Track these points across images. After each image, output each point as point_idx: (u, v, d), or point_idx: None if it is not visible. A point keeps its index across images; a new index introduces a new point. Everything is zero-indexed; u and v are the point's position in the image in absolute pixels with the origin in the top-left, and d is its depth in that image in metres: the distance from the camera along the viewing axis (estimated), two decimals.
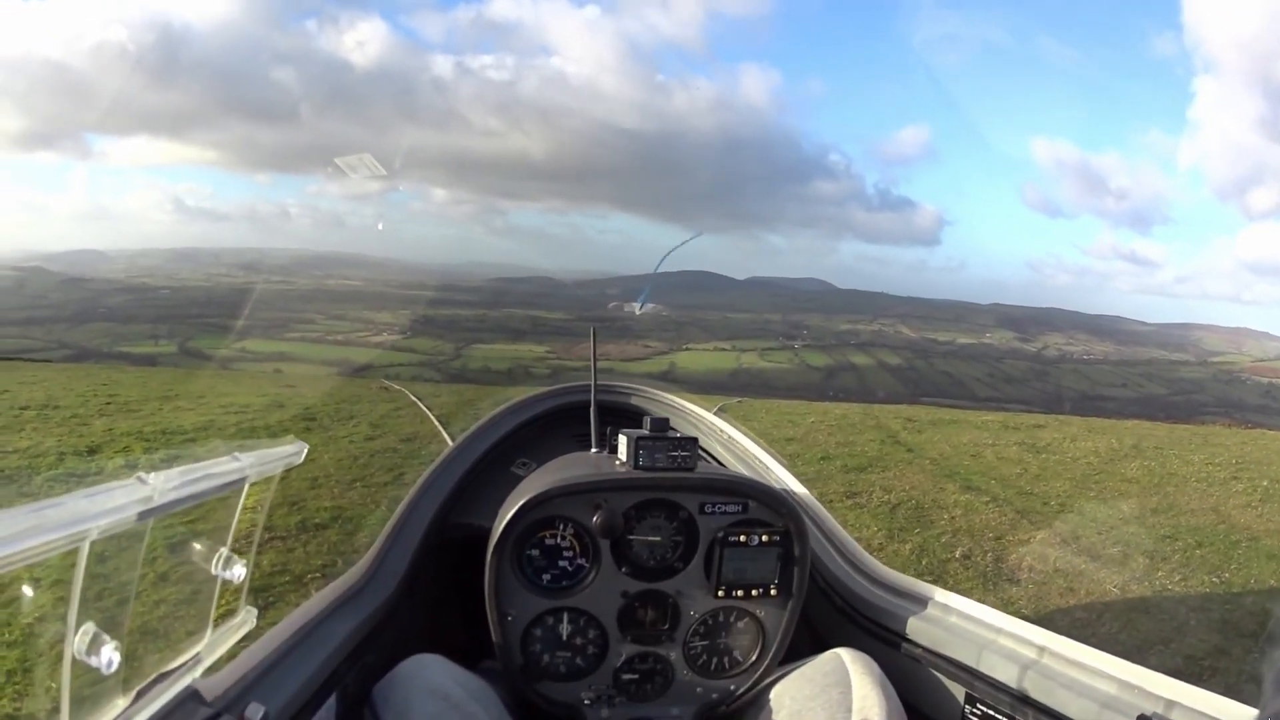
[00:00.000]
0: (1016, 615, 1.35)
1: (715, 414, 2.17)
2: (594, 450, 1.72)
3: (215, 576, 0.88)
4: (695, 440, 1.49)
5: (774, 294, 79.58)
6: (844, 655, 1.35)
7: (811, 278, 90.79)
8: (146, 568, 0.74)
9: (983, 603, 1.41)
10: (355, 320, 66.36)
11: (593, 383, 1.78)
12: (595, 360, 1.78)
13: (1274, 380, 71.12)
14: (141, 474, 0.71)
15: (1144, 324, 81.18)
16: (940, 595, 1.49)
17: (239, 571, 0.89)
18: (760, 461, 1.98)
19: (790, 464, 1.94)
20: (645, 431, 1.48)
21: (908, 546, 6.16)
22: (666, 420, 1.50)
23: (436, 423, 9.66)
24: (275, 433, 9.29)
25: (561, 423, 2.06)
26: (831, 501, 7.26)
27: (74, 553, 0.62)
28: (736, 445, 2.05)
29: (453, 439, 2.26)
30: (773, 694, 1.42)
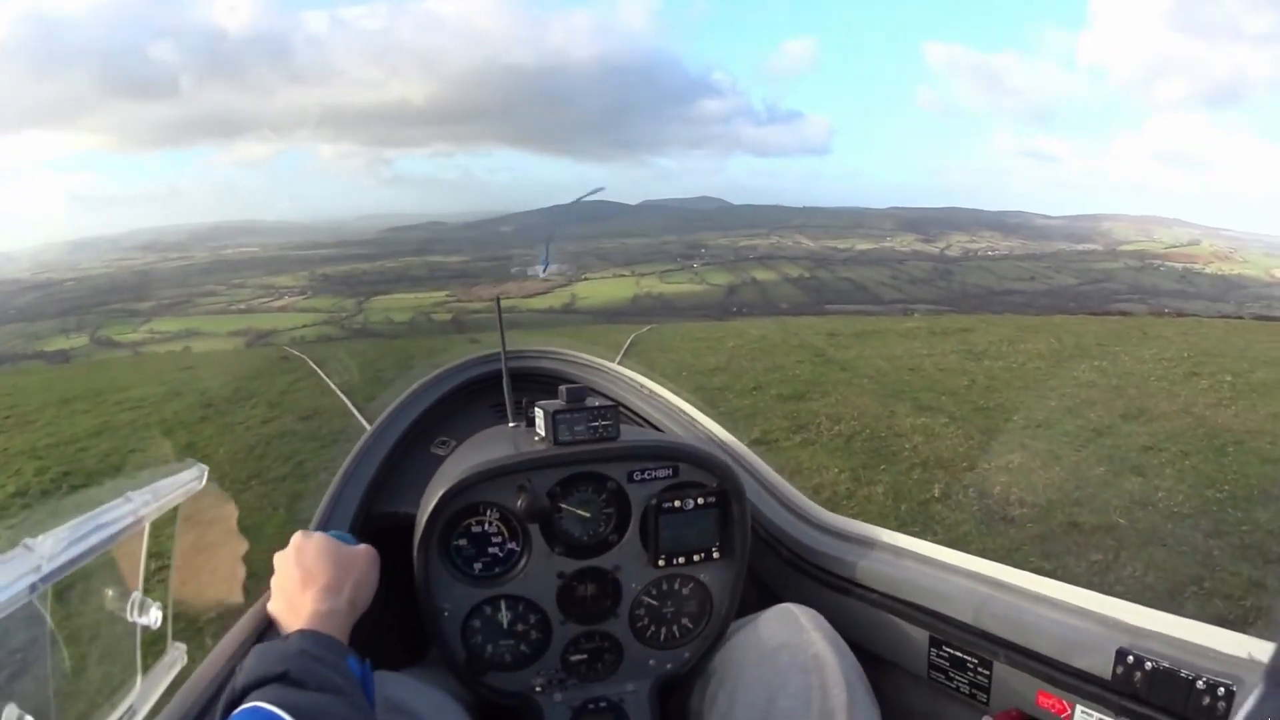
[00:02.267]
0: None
1: (629, 348, 1.94)
2: (511, 425, 1.62)
3: (132, 623, 0.84)
4: (615, 407, 1.39)
5: (668, 216, 79.40)
6: (790, 610, 1.30)
7: (705, 196, 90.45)
8: (60, 631, 0.70)
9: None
10: (256, 287, 65.55)
11: (503, 353, 1.71)
12: (503, 330, 1.72)
13: (1188, 265, 72.28)
14: (27, 540, 0.65)
15: (1049, 217, 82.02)
16: (890, 537, 1.43)
17: (155, 614, 0.85)
18: (686, 415, 1.89)
19: (722, 398, 1.83)
20: (561, 403, 1.37)
21: (879, 489, 5.60)
22: (583, 389, 1.40)
23: (339, 392, 8.86)
24: (171, 427, 8.97)
25: (478, 395, 1.98)
26: (777, 441, 6.71)
27: None
28: (660, 399, 1.96)
29: (358, 408, 2.15)
30: (719, 658, 1.37)
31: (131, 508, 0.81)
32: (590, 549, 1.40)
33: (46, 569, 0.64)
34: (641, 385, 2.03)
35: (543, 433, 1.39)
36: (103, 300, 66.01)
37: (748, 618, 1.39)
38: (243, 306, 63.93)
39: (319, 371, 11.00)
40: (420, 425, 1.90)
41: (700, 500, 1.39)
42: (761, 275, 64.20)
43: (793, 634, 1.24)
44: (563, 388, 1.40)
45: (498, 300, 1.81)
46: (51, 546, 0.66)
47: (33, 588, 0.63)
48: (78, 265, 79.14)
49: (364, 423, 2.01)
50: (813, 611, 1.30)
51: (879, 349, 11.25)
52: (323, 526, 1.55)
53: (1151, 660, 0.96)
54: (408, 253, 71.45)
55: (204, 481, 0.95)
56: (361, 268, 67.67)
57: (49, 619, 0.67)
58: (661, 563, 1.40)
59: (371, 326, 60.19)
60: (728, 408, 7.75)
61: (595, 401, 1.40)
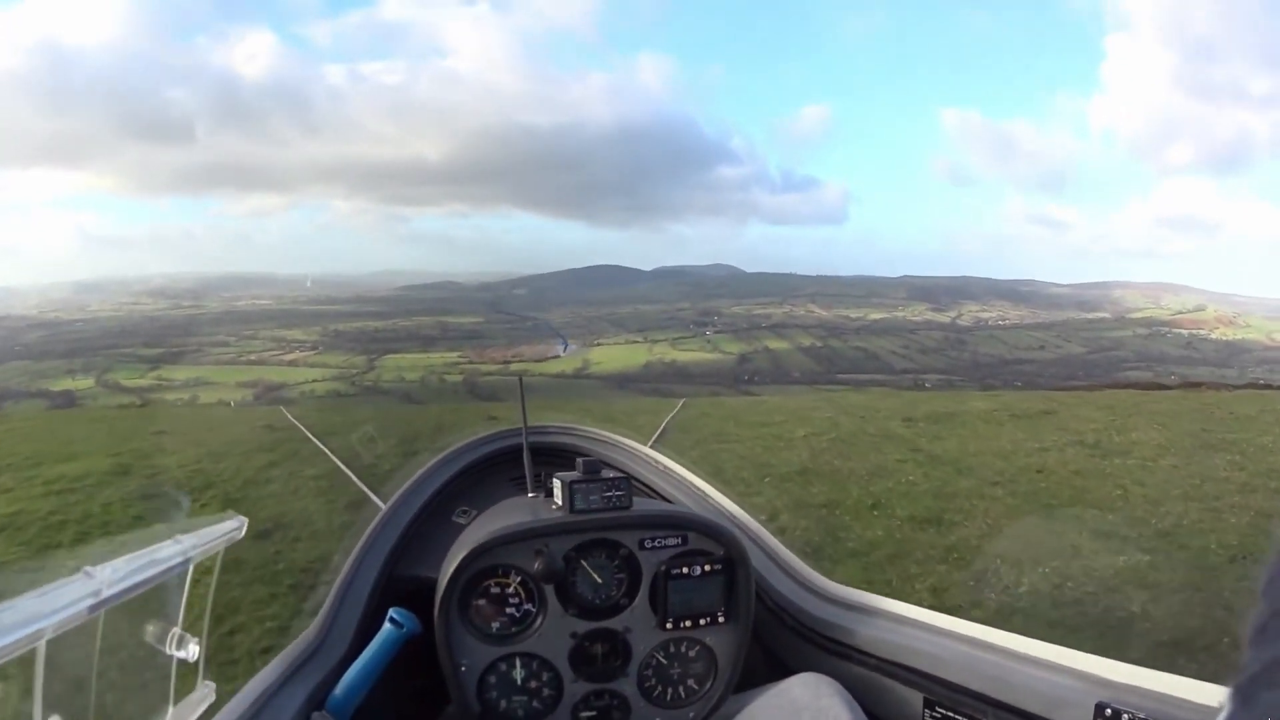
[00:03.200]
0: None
1: (664, 432, 2.30)
2: (530, 495, 1.74)
3: (170, 656, 0.90)
4: (628, 479, 1.52)
5: (683, 283, 79.60)
6: (815, 679, 1.38)
7: (719, 264, 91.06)
8: (103, 657, 0.76)
9: None
10: (267, 339, 65.53)
11: (524, 427, 1.83)
12: (525, 406, 1.83)
13: (1194, 331, 72.50)
14: (88, 568, 0.72)
15: (1059, 285, 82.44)
16: (890, 605, 1.50)
17: (193, 649, 0.91)
18: (700, 490, 1.99)
19: (839, 522, 1.84)
20: (578, 474, 1.50)
21: None
22: (598, 462, 1.54)
23: (343, 466, 8.15)
24: (92, 525, 7.46)
25: (498, 468, 2.07)
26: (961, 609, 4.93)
27: (32, 653, 0.64)
28: (674, 475, 2.05)
29: (377, 493, 2.21)
30: (744, 718, 1.43)
31: (180, 549, 0.88)
32: (602, 611, 1.50)
33: (105, 594, 0.71)
34: (656, 461, 2.11)
35: (560, 502, 1.50)
36: (112, 343, 66.01)
37: (774, 684, 1.43)
38: (253, 358, 63.91)
39: (316, 442, 10.07)
40: (442, 495, 1.98)
41: (707, 567, 1.50)
42: (774, 344, 64.26)
43: (814, 699, 1.32)
44: (579, 460, 1.53)
45: (520, 379, 1.98)
46: (109, 575, 0.73)
47: (91, 609, 0.70)
48: (86, 306, 79.24)
49: (378, 501, 2.11)
50: (835, 683, 1.35)
51: (973, 439, 10.23)
52: (345, 588, 1.65)
53: (1129, 713, 1.01)
54: (421, 311, 71.54)
55: (243, 532, 1.02)
56: (374, 325, 67.71)
57: (98, 642, 0.74)
58: (670, 625, 1.49)
59: (382, 385, 60.03)
60: (858, 543, 6.52)
61: (610, 473, 1.52)
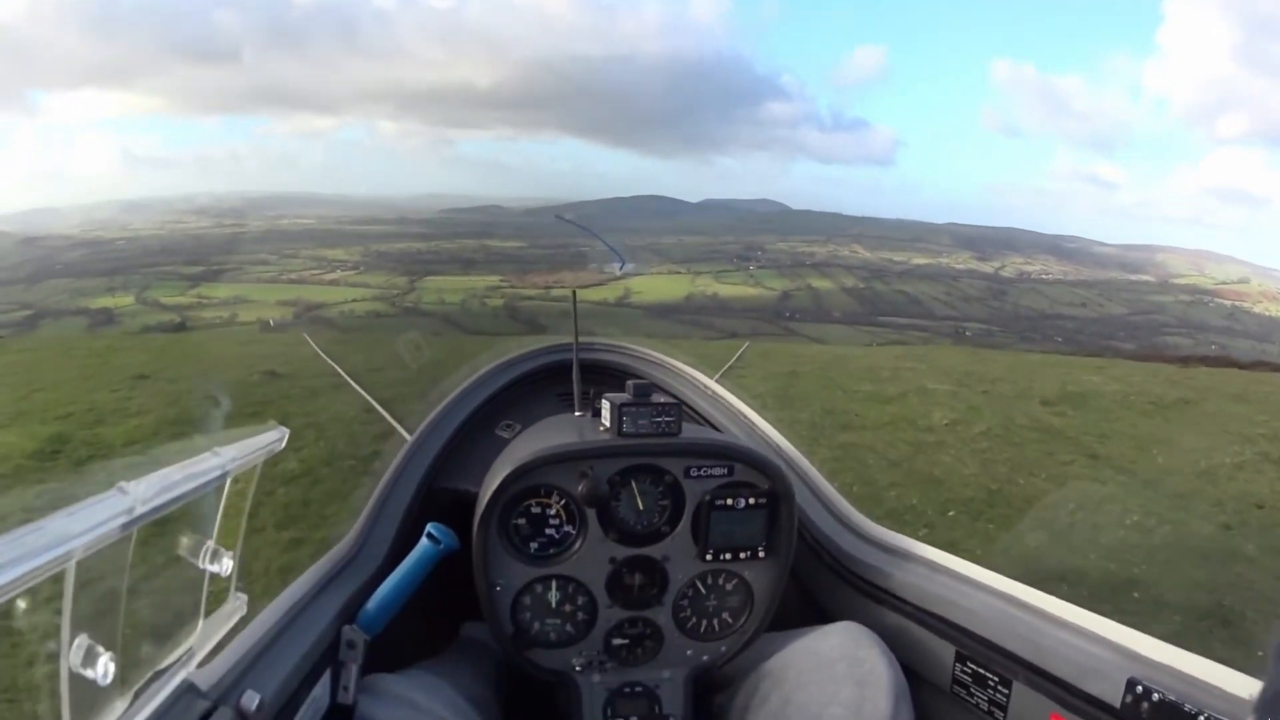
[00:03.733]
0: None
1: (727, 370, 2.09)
2: (577, 414, 1.68)
3: (203, 570, 0.90)
4: (679, 405, 1.46)
5: (729, 216, 79.09)
6: (853, 628, 1.37)
7: (765, 199, 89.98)
8: (134, 572, 0.74)
9: None
10: (308, 259, 65.83)
11: (574, 343, 1.72)
12: (576, 321, 1.73)
13: (1237, 303, 71.55)
14: (122, 484, 0.70)
15: (1105, 244, 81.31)
16: (929, 552, 1.47)
17: (226, 564, 0.91)
18: (748, 419, 1.95)
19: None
20: (628, 397, 1.44)
21: None
22: (649, 385, 1.47)
23: (365, 394, 7.66)
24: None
25: (545, 383, 2.05)
26: None
27: (61, 572, 0.63)
28: (723, 402, 2.01)
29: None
30: (778, 660, 1.41)
31: (219, 461, 0.87)
32: (643, 538, 1.46)
33: (138, 511, 0.70)
34: (706, 386, 2.08)
35: (608, 424, 1.46)
36: (153, 261, 66.56)
37: (811, 628, 1.43)
38: (294, 277, 64.16)
39: (342, 372, 9.55)
40: (487, 407, 1.95)
41: (751, 500, 1.45)
42: (818, 282, 63.86)
43: (853, 649, 1.32)
44: (630, 382, 1.46)
45: (574, 292, 1.79)
46: (144, 491, 0.72)
47: (124, 527, 0.68)
48: (129, 225, 79.84)
49: (404, 433, 2.05)
50: (874, 635, 1.35)
51: (1139, 439, 8.68)
52: (384, 499, 1.63)
53: (1159, 692, 0.99)
54: (464, 235, 71.57)
55: (284, 443, 1.01)
56: (417, 246, 67.83)
57: (130, 558, 0.73)
58: (709, 557, 1.46)
59: (423, 306, 60.23)
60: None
61: (660, 398, 1.46)
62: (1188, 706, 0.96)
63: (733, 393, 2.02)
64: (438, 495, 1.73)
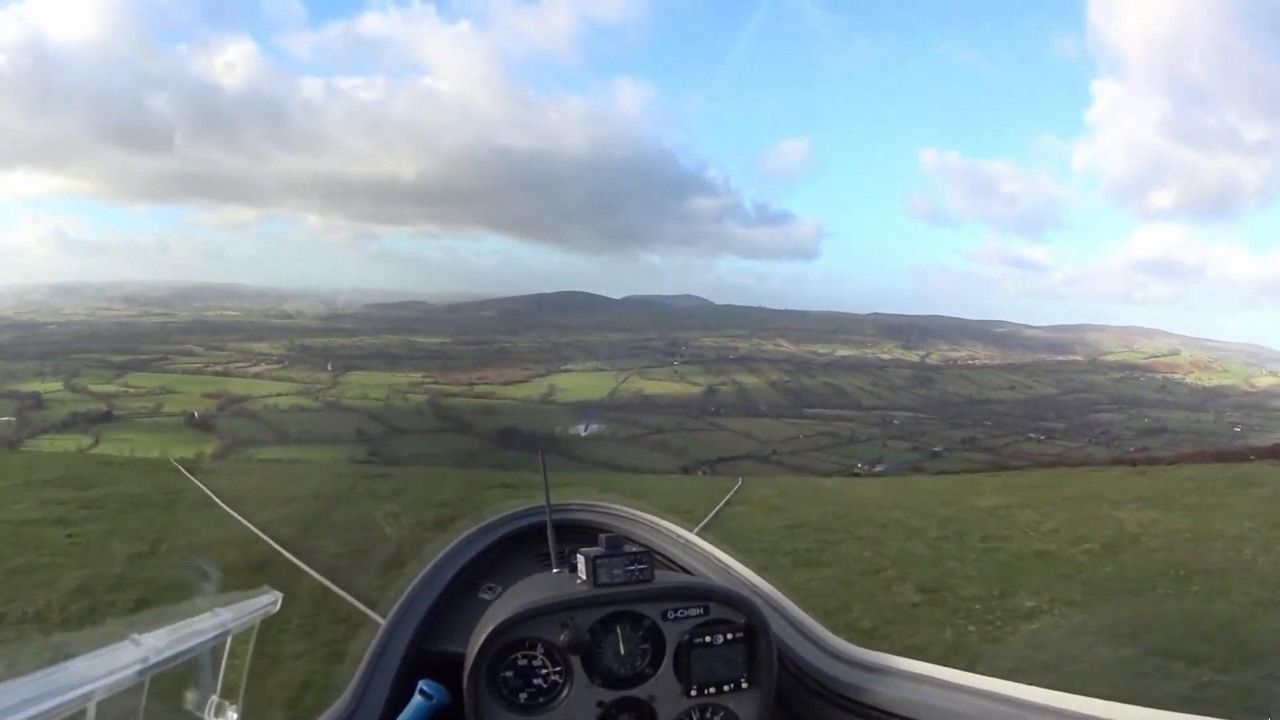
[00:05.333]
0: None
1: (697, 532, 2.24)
2: (555, 570, 1.77)
3: None
4: (650, 553, 1.60)
5: (652, 312, 79.36)
6: None
7: (689, 294, 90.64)
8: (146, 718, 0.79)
9: None
10: (234, 351, 65.25)
11: (547, 505, 1.91)
12: (547, 483, 1.90)
13: (1168, 375, 72.84)
14: (135, 635, 0.76)
15: (1033, 327, 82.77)
16: (910, 665, 1.52)
17: (231, 716, 0.96)
18: (721, 562, 2.05)
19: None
20: (601, 550, 1.55)
21: None
22: (620, 537, 1.60)
23: (342, 593, 6.13)
24: None
25: (522, 545, 2.16)
26: None
27: (82, 714, 0.67)
28: (695, 548, 2.13)
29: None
30: None
31: (220, 620, 0.92)
32: (628, 680, 1.53)
33: (152, 660, 0.76)
34: (678, 535, 2.19)
35: (584, 576, 1.55)
36: (82, 347, 65.71)
37: None
38: (219, 369, 63.52)
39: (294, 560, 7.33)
40: (468, 572, 2.04)
41: (729, 635, 1.54)
42: (743, 377, 64.28)
43: None
44: (602, 536, 1.58)
45: (541, 455, 2.00)
46: (155, 643, 0.77)
47: (140, 674, 0.74)
48: (60, 310, 78.85)
49: (376, 618, 2.18)
50: None
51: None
52: (374, 663, 1.68)
53: None
54: (388, 330, 71.41)
55: (278, 606, 1.06)
56: (340, 341, 67.52)
57: (143, 705, 0.77)
58: (694, 693, 1.53)
59: (345, 402, 59.76)
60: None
61: (631, 548, 1.57)
62: None
63: (704, 539, 2.14)
64: (427, 657, 1.77)
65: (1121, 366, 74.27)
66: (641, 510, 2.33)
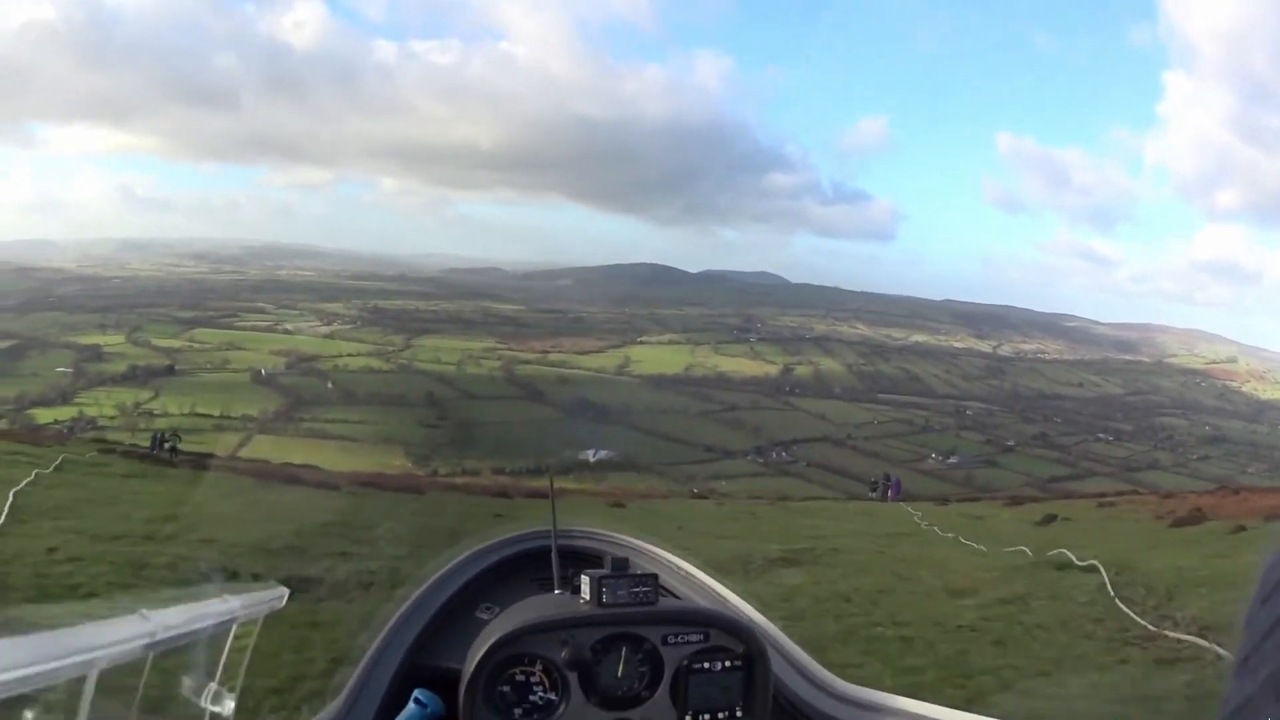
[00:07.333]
0: None
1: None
2: (557, 591, 1.77)
3: (204, 709, 0.92)
4: (655, 576, 1.57)
5: (728, 288, 79.16)
6: None
7: (765, 271, 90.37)
8: (144, 699, 0.78)
9: None
10: (306, 310, 65.17)
11: (553, 526, 1.88)
12: (555, 509, 1.87)
13: (1227, 383, 72.24)
14: (144, 610, 0.74)
15: (1100, 323, 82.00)
16: (902, 703, 1.51)
17: (228, 706, 0.94)
18: (719, 595, 2.03)
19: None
20: (607, 570, 1.55)
21: None
22: (626, 560, 1.59)
23: None
24: None
25: (522, 568, 2.11)
26: None
27: (82, 680, 0.66)
28: (695, 580, 2.11)
29: None
30: None
31: (229, 608, 0.91)
32: (623, 702, 1.51)
33: (159, 636, 0.75)
34: (679, 567, 2.16)
35: (587, 596, 1.54)
36: (148, 302, 65.84)
37: None
38: (289, 328, 63.44)
39: None
40: (465, 592, 1.98)
41: (728, 663, 1.53)
42: (819, 358, 63.69)
43: None
44: (608, 557, 1.59)
45: (551, 481, 2.43)
46: (164, 619, 0.76)
47: (145, 648, 0.73)
48: (127, 264, 79.08)
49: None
50: None
51: None
52: (368, 674, 1.65)
53: None
54: (463, 296, 71.20)
55: (284, 602, 1.04)
56: (416, 305, 67.31)
57: (144, 680, 0.77)
58: (689, 719, 1.51)
59: (417, 365, 59.52)
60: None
61: (637, 571, 1.58)
62: None
63: (704, 572, 2.11)
64: (421, 672, 1.73)
65: (1184, 371, 73.48)
66: (645, 542, 2.30)
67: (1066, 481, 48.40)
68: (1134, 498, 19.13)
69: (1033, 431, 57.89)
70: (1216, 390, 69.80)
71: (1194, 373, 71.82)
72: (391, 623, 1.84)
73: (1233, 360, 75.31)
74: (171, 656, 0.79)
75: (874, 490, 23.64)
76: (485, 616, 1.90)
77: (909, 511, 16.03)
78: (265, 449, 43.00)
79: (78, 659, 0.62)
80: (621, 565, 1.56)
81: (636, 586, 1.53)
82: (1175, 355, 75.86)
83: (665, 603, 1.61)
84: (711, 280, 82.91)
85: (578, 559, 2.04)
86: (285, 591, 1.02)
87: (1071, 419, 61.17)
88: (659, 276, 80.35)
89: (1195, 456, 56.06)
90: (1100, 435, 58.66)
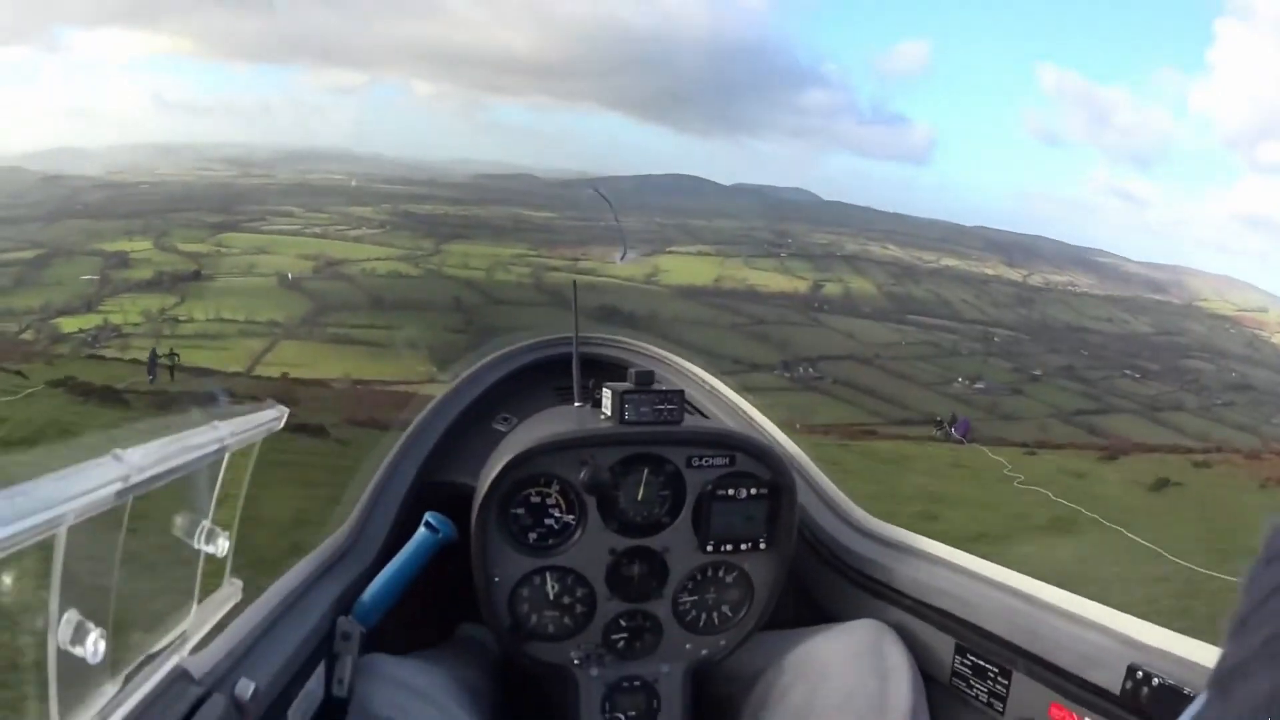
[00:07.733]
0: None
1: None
2: (577, 404, 1.68)
3: (198, 550, 0.86)
4: (681, 393, 1.47)
5: (760, 202, 78.51)
6: (876, 624, 1.41)
7: (798, 187, 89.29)
8: (127, 547, 0.71)
9: None
10: (335, 214, 65.08)
11: (574, 334, 1.72)
12: (576, 313, 1.73)
13: (1257, 331, 71.57)
14: (117, 450, 0.66)
15: (1131, 261, 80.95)
16: (927, 545, 1.48)
17: (222, 544, 0.88)
18: (746, 414, 1.91)
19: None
20: (630, 385, 1.45)
21: None
22: (651, 373, 1.48)
23: None
24: None
25: (543, 376, 1.98)
26: None
27: (51, 540, 0.59)
28: (723, 398, 1.99)
29: None
30: (801, 652, 1.43)
31: (217, 435, 0.83)
32: (643, 528, 1.46)
33: (134, 479, 0.66)
34: (705, 381, 2.04)
35: (609, 412, 1.46)
36: (176, 207, 65.92)
37: (828, 626, 1.46)
38: (318, 231, 63.41)
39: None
40: (482, 401, 1.90)
41: (753, 491, 1.45)
42: (850, 275, 63.30)
43: (876, 644, 1.37)
44: (631, 370, 1.46)
45: (574, 282, 1.79)
46: (140, 459, 0.67)
47: (118, 495, 0.65)
48: (155, 170, 79.06)
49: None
50: (892, 630, 1.40)
51: None
52: (380, 491, 1.61)
53: (1159, 677, 1.00)
54: (495, 202, 70.89)
55: (283, 422, 0.97)
56: (446, 210, 67.07)
57: (124, 530, 0.69)
58: (710, 548, 1.47)
59: (446, 270, 59.52)
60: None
61: (662, 386, 1.47)
62: (1187, 690, 0.98)
63: (733, 389, 2.00)
64: (433, 489, 1.69)
65: (1214, 316, 72.72)
66: (672, 351, 2.15)
67: (1092, 415, 48.35)
68: (1217, 455, 18.16)
69: (1060, 363, 57.62)
70: (1245, 338, 69.19)
71: (1224, 318, 71.13)
72: (404, 437, 1.77)
73: (1264, 310, 74.46)
74: (155, 498, 0.71)
75: (939, 429, 23.13)
76: (502, 429, 1.83)
77: (1001, 463, 14.40)
78: (290, 354, 43.34)
79: (39, 518, 0.54)
80: (646, 379, 1.46)
81: (662, 404, 1.43)
82: (1206, 299, 75.00)
83: (690, 422, 1.51)
84: (744, 193, 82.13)
85: (600, 368, 1.93)
86: (284, 410, 0.93)
87: (1099, 354, 60.81)
88: (690, 187, 79.54)
89: (1220, 402, 55.74)
90: (1127, 372, 58.35)
